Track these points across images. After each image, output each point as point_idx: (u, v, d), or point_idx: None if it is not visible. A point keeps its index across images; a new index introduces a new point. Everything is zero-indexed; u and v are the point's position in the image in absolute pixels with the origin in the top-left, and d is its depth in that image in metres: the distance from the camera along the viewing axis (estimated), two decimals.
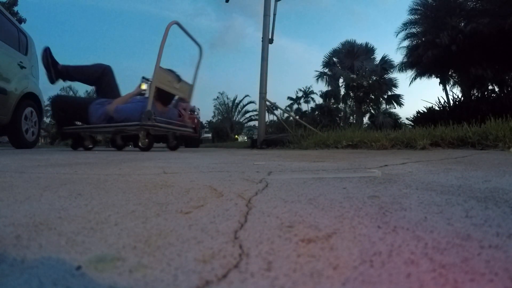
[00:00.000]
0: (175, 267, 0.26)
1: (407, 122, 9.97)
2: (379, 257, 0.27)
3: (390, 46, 41.10)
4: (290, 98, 26.49)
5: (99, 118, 3.03)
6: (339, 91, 18.59)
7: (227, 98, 27.18)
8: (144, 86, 3.19)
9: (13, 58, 3.33)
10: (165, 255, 0.28)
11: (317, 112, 20.51)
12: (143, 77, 3.28)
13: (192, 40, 3.40)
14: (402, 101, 17.28)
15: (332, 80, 18.22)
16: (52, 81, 3.09)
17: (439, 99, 8.41)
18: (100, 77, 3.29)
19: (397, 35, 13.28)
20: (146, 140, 2.85)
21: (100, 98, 3.18)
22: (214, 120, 28.69)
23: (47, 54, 3.10)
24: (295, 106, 26.27)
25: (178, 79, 3.17)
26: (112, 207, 0.46)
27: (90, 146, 3.32)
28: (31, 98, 3.57)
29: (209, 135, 26.21)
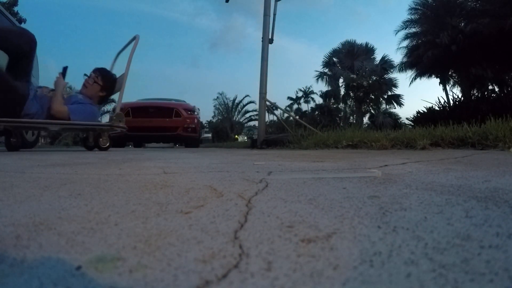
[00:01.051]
0: (175, 267, 0.26)
1: (407, 122, 9.98)
2: (379, 257, 0.27)
3: (390, 46, 41.23)
4: (290, 98, 26.54)
5: (43, 114, 2.64)
6: (339, 91, 18.61)
7: (227, 98, 27.21)
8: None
9: None
10: (165, 255, 0.28)
11: (317, 112, 20.53)
12: (65, 67, 2.92)
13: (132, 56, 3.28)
14: (402, 101, 17.32)
15: (332, 80, 18.24)
16: None
17: (439, 99, 8.41)
18: (28, 51, 2.50)
19: (397, 33, 13.34)
20: (107, 140, 2.89)
21: (35, 90, 2.67)
22: (214, 120, 28.69)
23: None
24: (295, 106, 26.32)
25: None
26: (112, 207, 0.46)
27: (17, 144, 2.79)
28: None
29: (209, 135, 26.22)
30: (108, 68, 3.27)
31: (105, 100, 3.20)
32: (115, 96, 3.30)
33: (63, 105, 2.68)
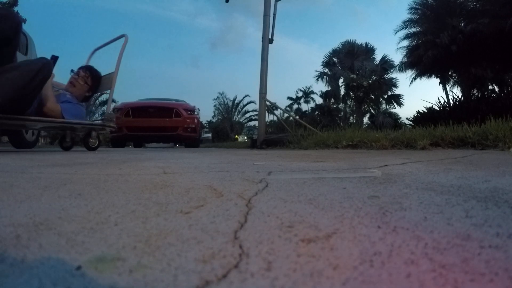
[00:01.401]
0: (175, 267, 0.26)
1: (407, 122, 10.00)
2: (379, 257, 0.27)
3: (390, 46, 41.31)
4: (290, 98, 26.57)
5: (33, 111, 2.38)
6: (339, 91, 18.63)
7: (227, 98, 27.21)
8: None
9: None
10: (165, 255, 0.28)
11: (317, 112, 20.55)
12: (55, 57, 2.59)
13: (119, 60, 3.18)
14: (402, 101, 17.33)
15: (332, 80, 18.26)
16: None
17: (439, 99, 8.43)
18: (13, 37, 2.03)
19: (396, 33, 13.38)
20: (96, 140, 2.90)
21: None
22: (214, 120, 28.72)
23: None
24: (295, 106, 26.35)
25: None
26: (112, 207, 0.46)
27: None
28: None
29: (209, 135, 26.21)
30: (85, 63, 3.22)
31: (88, 99, 3.13)
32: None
33: (56, 103, 2.50)
